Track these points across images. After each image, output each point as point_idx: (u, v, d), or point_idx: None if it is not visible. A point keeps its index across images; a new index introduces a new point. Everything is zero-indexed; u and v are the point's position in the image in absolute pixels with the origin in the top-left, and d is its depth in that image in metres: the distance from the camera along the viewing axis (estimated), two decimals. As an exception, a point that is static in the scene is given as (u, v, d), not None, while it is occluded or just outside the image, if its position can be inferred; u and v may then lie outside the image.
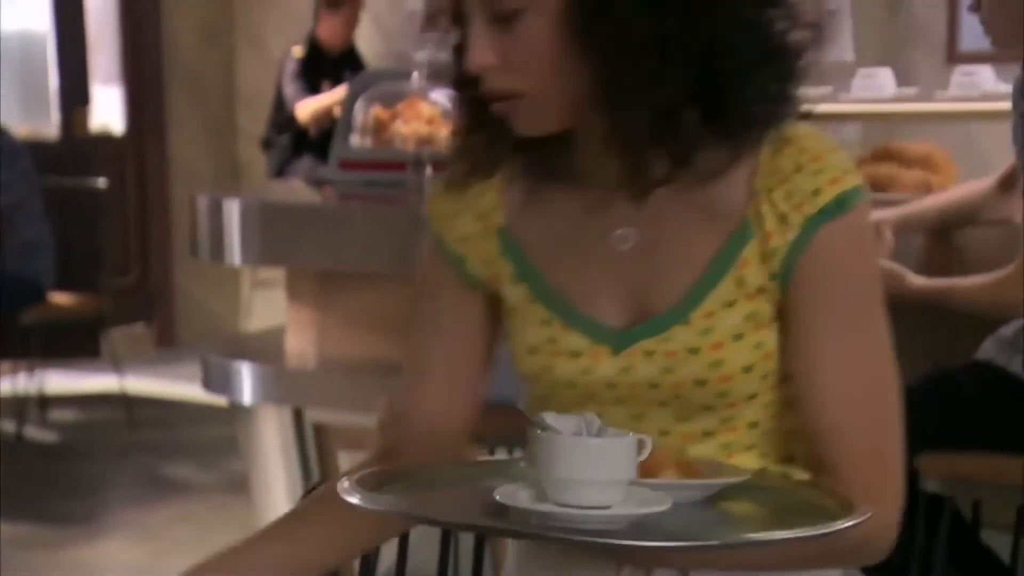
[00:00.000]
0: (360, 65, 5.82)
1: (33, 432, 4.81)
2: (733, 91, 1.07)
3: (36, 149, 4.95)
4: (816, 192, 1.09)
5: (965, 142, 3.46)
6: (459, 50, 1.14)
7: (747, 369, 1.11)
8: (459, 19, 1.13)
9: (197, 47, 5.58)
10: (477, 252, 1.20)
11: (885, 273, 2.14)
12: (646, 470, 0.99)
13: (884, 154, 2.70)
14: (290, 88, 5.68)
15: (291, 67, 5.69)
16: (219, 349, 3.15)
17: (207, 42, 6.27)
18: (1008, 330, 2.09)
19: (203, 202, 2.96)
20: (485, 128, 1.15)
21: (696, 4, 1.05)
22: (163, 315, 6.30)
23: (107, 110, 6.12)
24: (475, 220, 1.20)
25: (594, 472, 0.94)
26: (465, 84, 1.13)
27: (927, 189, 2.54)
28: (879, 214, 2.25)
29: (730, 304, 1.11)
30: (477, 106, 1.14)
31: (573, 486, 0.93)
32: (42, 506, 3.95)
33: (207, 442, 4.61)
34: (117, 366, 4.95)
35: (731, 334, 1.11)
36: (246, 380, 2.94)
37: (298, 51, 5.71)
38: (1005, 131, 2.10)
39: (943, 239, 2.28)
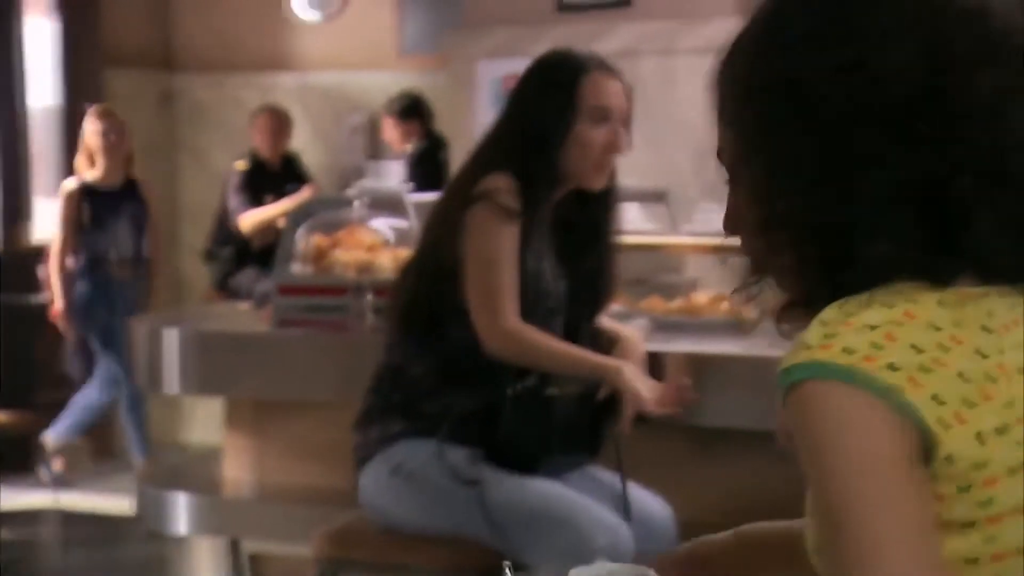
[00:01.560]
0: (303, 178, 5.88)
1: (-37, 554, 4.70)
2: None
3: (-26, 266, 4.91)
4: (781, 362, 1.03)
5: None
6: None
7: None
8: None
9: (140, 161, 5.60)
10: None
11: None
12: None
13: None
14: (233, 200, 5.72)
15: (234, 180, 5.74)
16: (154, 476, 3.12)
17: (150, 156, 6.29)
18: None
19: (141, 330, 2.96)
20: None
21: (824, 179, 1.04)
22: (100, 427, 6.21)
23: (47, 224, 6.11)
24: None
25: None
26: None
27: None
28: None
29: None
30: None
31: None
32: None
33: (144, 561, 4.53)
34: (52, 482, 4.87)
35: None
36: (182, 511, 2.92)
37: (241, 164, 5.76)
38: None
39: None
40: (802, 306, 1.07)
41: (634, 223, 3.30)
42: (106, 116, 5.21)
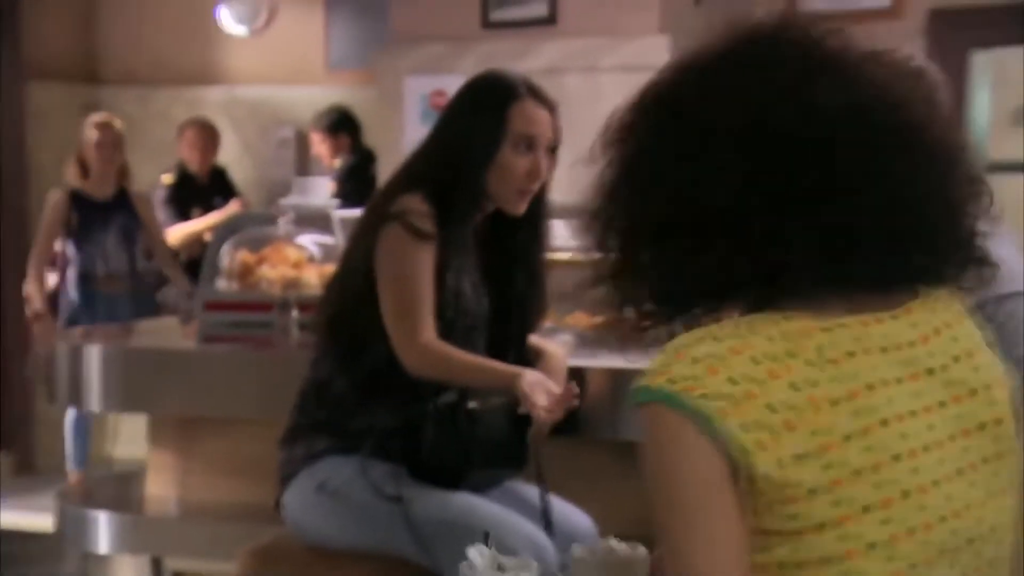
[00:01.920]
0: (230, 192, 5.85)
1: None
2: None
3: None
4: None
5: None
6: None
7: None
8: None
9: (64, 174, 5.53)
10: None
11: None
12: None
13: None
14: (160, 214, 5.67)
15: (161, 194, 5.69)
16: (75, 493, 3.08)
17: (74, 169, 6.20)
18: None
19: (62, 348, 2.93)
20: None
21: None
22: (21, 442, 6.12)
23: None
24: None
25: None
26: None
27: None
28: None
29: None
30: None
31: None
32: None
33: (65, 581, 4.46)
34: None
35: None
36: (103, 529, 2.89)
37: (168, 178, 5.71)
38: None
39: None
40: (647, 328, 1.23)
41: (559, 239, 3.32)
42: (105, 127, 5.13)
